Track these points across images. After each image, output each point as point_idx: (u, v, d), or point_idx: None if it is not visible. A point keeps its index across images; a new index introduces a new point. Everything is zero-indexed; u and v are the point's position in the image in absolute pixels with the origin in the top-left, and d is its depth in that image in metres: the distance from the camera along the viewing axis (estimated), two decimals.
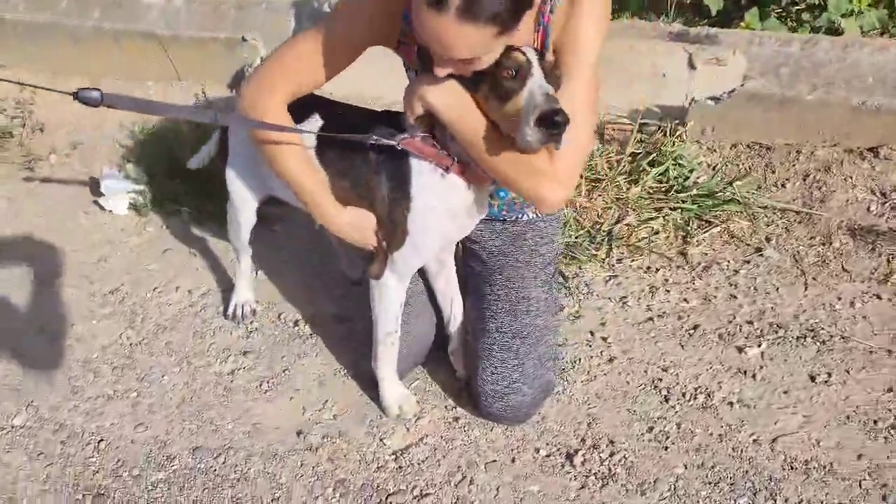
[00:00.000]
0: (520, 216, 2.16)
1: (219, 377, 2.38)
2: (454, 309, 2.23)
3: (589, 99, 1.69)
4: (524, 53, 1.56)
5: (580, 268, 2.77)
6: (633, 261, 2.80)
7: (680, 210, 2.97)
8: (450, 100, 1.65)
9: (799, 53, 3.09)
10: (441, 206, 1.84)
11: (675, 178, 3.10)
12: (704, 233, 2.89)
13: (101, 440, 2.16)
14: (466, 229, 2.01)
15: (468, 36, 1.42)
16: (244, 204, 2.32)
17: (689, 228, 2.90)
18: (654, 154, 3.17)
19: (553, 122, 1.46)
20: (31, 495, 2.01)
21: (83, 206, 3.31)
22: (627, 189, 3.09)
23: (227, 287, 2.75)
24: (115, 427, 2.21)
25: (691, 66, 3.19)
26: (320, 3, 3.71)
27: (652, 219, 2.96)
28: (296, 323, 2.59)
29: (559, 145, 1.51)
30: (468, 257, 2.26)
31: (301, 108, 1.92)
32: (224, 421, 2.22)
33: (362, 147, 1.83)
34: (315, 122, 1.98)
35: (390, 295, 2.01)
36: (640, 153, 3.23)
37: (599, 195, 3.07)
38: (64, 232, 3.12)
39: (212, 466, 2.07)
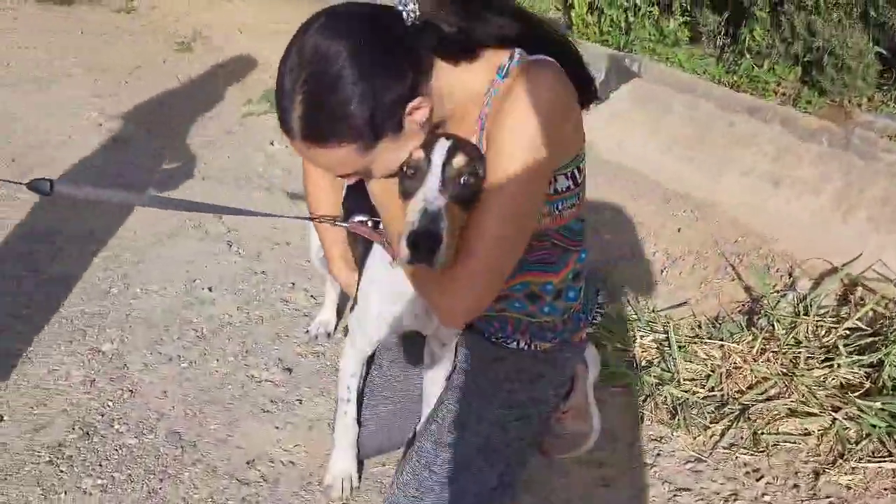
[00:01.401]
0: (508, 341, 1.75)
1: (249, 380, 2.45)
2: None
3: (509, 212, 1.37)
4: (429, 152, 1.36)
5: (673, 431, 2.21)
6: (742, 455, 2.14)
7: (861, 419, 2.19)
8: (376, 188, 1.53)
9: None
10: (386, 286, 1.68)
11: (891, 376, 2.30)
12: (878, 463, 2.08)
13: (132, 391, 2.39)
14: (425, 325, 1.76)
15: (327, 156, 1.32)
16: None
17: (855, 448, 2.12)
18: (877, 336, 2.40)
19: (417, 247, 1.30)
20: None
21: None
22: (808, 369, 2.38)
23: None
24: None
25: None
26: None
27: (813, 415, 2.24)
28: None
29: (434, 266, 1.32)
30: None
31: None
32: (214, 419, 2.28)
33: None
34: None
35: (344, 361, 1.90)
36: (858, 329, 2.48)
37: (767, 357, 2.42)
38: None
39: (166, 452, 2.15)
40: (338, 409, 1.96)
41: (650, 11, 4.69)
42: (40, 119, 4.06)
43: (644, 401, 2.35)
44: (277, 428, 2.25)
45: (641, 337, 2.58)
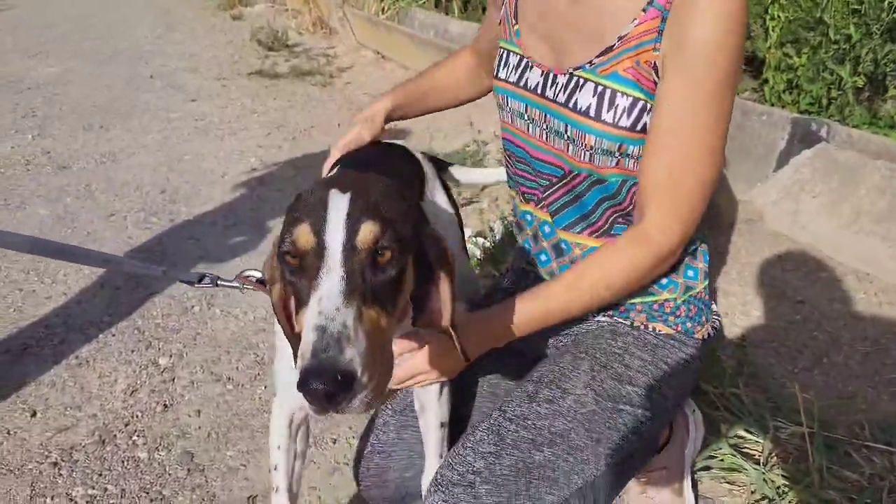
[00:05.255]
0: (623, 318, 1.45)
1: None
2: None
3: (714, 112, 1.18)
4: (318, 225, 0.87)
5: None
6: None
7: None
8: None
9: None
10: None
11: None
12: None
13: (167, 405, 2.18)
14: None
15: None
16: None
17: None
18: None
19: (314, 392, 0.78)
20: None
21: None
22: None
23: None
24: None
25: None
26: None
27: None
28: None
29: (350, 411, 0.83)
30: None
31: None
32: (235, 446, 1.99)
33: None
34: None
35: (271, 422, 1.39)
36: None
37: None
38: None
39: (171, 472, 1.88)
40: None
41: (859, 88, 4.05)
42: (208, 160, 4.22)
43: None
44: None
45: (777, 430, 1.96)
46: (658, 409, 1.39)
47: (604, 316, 1.46)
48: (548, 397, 1.34)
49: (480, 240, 3.01)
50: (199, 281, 1.37)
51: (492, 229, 3.06)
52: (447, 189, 1.72)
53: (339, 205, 0.87)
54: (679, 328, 1.42)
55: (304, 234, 0.86)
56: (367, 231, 0.86)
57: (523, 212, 1.52)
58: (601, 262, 1.27)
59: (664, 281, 1.40)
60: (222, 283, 1.35)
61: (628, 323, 1.43)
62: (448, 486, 1.26)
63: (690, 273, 1.42)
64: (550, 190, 1.42)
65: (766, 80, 4.61)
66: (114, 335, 2.54)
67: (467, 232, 3.07)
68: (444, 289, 1.02)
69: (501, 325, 1.24)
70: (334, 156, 1.56)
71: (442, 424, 1.44)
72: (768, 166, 3.37)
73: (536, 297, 1.26)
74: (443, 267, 1.01)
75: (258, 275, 1.30)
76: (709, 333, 1.45)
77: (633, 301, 1.42)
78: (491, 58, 1.56)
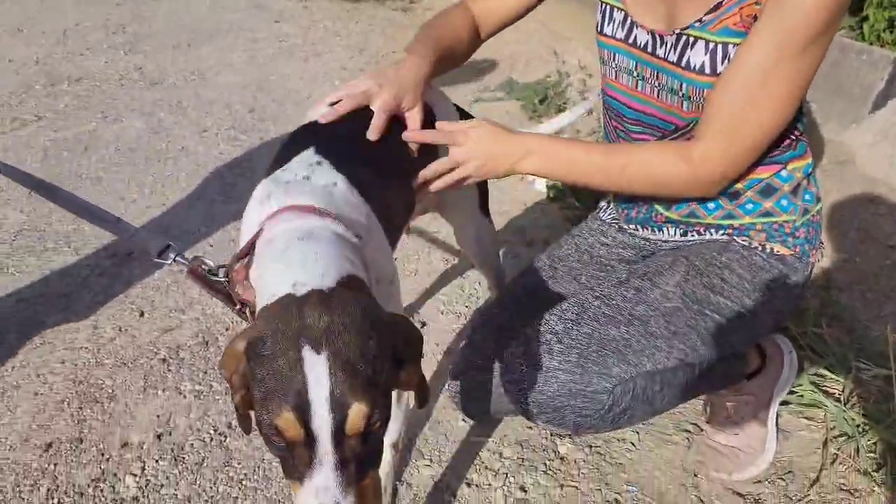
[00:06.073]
0: (739, 237, 1.49)
1: None
2: None
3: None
4: (302, 411, 0.80)
5: (876, 486, 1.64)
6: None
7: None
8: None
9: None
10: None
11: None
12: None
13: None
14: None
15: None
16: None
17: None
18: None
19: None
20: None
21: None
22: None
23: None
24: None
25: None
26: None
27: None
28: None
29: None
30: None
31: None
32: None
33: None
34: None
35: None
36: None
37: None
38: None
39: None
40: None
41: None
42: (293, 81, 4.29)
43: (844, 441, 1.78)
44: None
45: (859, 370, 1.98)
46: (746, 327, 1.43)
47: (723, 234, 1.49)
48: (636, 286, 1.43)
49: None
50: (160, 255, 1.26)
51: None
52: None
53: (319, 379, 0.79)
54: (797, 250, 1.45)
55: (289, 424, 0.79)
56: (357, 416, 0.80)
57: None
58: (642, 153, 1.35)
59: (785, 203, 1.43)
60: (180, 261, 1.23)
61: (746, 243, 1.47)
62: (528, 340, 1.39)
63: (807, 196, 1.46)
64: None
65: (866, 18, 4.40)
66: (211, 245, 2.66)
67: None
68: (412, 376, 0.97)
69: (522, 139, 1.37)
70: (325, 103, 1.36)
71: (393, 446, 1.48)
72: (864, 107, 3.26)
73: (573, 142, 1.39)
74: (411, 359, 0.96)
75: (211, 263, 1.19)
76: (818, 259, 1.49)
77: (753, 221, 1.45)
78: (491, 22, 1.63)
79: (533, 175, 1.42)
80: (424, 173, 1.36)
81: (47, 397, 1.97)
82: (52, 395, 1.98)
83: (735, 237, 1.49)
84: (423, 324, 2.25)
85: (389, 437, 1.44)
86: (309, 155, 1.18)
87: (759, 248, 1.46)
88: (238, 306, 1.13)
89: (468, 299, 2.38)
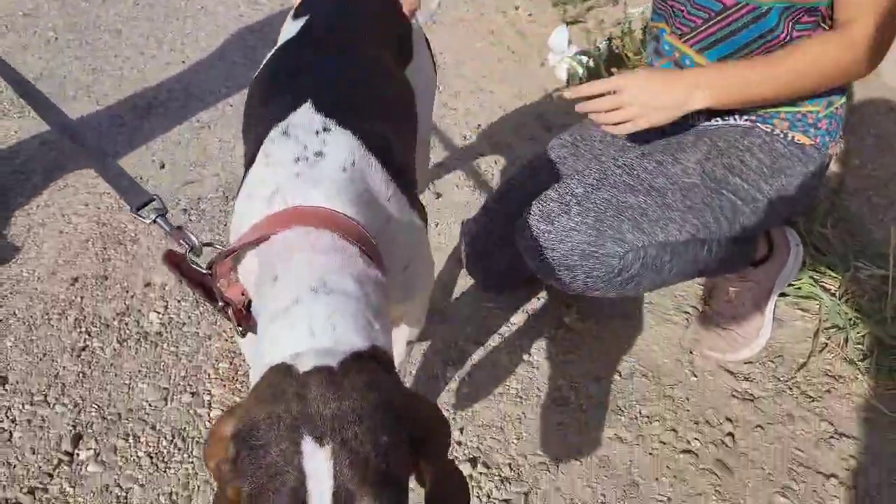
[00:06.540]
0: (762, 123, 1.53)
1: None
2: None
3: None
4: (303, 472, 0.66)
5: (860, 374, 1.73)
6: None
7: None
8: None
9: None
10: None
11: None
12: None
13: None
14: None
15: None
16: None
17: None
18: None
19: None
20: None
21: None
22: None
23: None
24: None
25: None
26: None
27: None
28: None
29: None
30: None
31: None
32: None
33: None
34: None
35: None
36: None
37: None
38: None
39: None
40: None
41: None
42: None
43: (834, 332, 1.87)
44: None
45: (857, 270, 2.04)
46: (759, 212, 1.49)
47: (746, 119, 1.52)
48: (658, 159, 1.48)
49: (584, 58, 3.00)
50: (138, 209, 1.04)
51: (598, 48, 3.03)
52: (428, 44, 1.63)
53: (321, 478, 0.66)
54: (817, 140, 1.49)
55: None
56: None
57: (667, 42, 1.57)
58: (806, 54, 1.35)
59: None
60: (161, 223, 1.03)
61: (768, 129, 1.50)
62: (547, 200, 1.45)
63: (834, 89, 1.47)
64: (705, 25, 1.45)
65: None
66: (231, 106, 2.67)
67: (573, 49, 3.06)
68: (434, 475, 0.78)
69: (683, 78, 1.39)
70: None
71: (409, 342, 1.39)
72: None
73: (733, 64, 1.40)
74: (436, 453, 0.78)
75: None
76: (837, 151, 1.53)
77: (778, 109, 1.48)
78: None
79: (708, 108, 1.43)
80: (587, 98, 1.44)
81: (72, 236, 2.04)
82: (76, 235, 2.04)
83: (759, 123, 1.51)
84: (439, 195, 2.30)
85: (407, 336, 1.36)
86: (310, 115, 0.99)
87: (781, 136, 1.49)
88: (220, 304, 0.96)
89: (484, 174, 2.42)
